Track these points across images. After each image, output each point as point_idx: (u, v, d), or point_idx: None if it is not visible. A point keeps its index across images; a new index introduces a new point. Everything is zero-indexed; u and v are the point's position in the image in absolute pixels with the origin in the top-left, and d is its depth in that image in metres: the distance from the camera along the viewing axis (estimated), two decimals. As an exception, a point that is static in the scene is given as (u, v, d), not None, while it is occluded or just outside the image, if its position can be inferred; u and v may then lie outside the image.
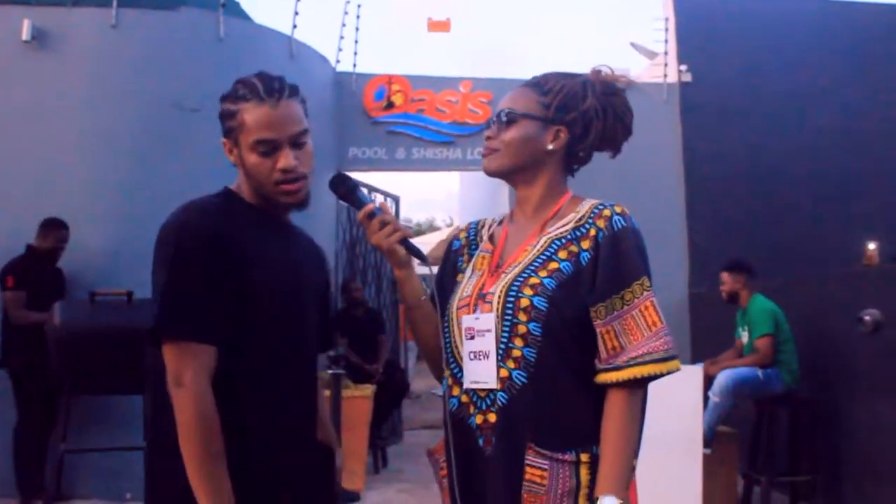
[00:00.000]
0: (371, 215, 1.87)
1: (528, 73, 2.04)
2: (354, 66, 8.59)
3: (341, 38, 8.53)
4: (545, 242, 1.86)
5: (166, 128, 6.16)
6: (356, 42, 8.58)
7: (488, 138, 1.94)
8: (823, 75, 9.10)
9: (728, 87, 8.97)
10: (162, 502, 1.84)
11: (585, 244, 1.82)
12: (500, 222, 2.04)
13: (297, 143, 1.89)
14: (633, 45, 10.97)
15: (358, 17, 8.62)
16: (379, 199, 8.73)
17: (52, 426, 5.74)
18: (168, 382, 1.74)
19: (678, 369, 1.79)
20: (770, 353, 5.67)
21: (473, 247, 2.04)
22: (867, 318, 5.22)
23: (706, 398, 5.54)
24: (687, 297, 8.57)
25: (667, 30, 9.04)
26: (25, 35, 6.32)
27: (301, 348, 1.94)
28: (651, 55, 10.18)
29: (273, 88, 1.89)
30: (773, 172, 8.75)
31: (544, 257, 1.83)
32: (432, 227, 36.19)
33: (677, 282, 8.56)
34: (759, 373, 5.66)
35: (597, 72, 1.97)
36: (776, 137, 8.85)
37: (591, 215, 1.85)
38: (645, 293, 1.79)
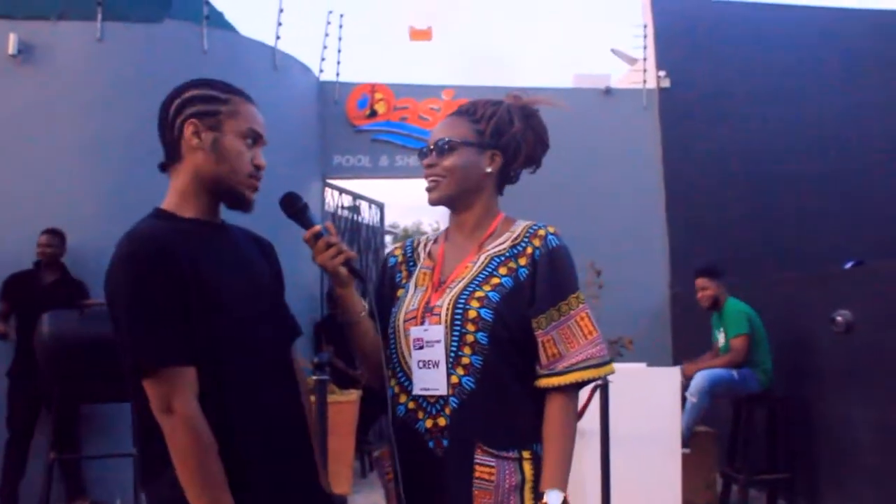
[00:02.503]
0: (318, 236, 1.94)
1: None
2: (338, 75, 8.70)
3: (324, 47, 8.64)
4: (485, 260, 2.01)
5: (152, 140, 6.12)
6: (339, 51, 8.70)
7: (429, 166, 2.06)
8: (802, 79, 9.25)
9: (707, 92, 9.10)
10: None
11: (523, 261, 1.98)
12: (436, 240, 2.18)
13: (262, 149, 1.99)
14: (613, 51, 11.09)
15: (341, 26, 8.73)
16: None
17: (32, 435, 5.84)
18: (154, 411, 1.72)
19: (613, 372, 2.00)
20: (745, 352, 5.79)
21: (411, 263, 2.17)
22: (839, 318, 5.36)
23: (684, 399, 5.65)
24: (668, 298, 8.70)
25: (645, 36, 9.18)
26: (12, 49, 6.40)
27: (271, 343, 1.96)
28: (631, 61, 10.30)
29: (252, 98, 2.00)
30: (751, 176, 8.89)
31: (486, 273, 1.98)
32: (420, 232, 36.33)
33: (658, 283, 8.68)
34: (735, 373, 5.77)
35: (516, 96, 2.14)
36: (754, 141, 8.99)
37: (527, 235, 2.02)
38: (580, 305, 1.97)
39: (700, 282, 6.20)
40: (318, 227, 1.95)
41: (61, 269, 6.04)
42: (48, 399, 5.64)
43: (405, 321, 2.02)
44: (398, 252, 2.22)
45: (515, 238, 2.03)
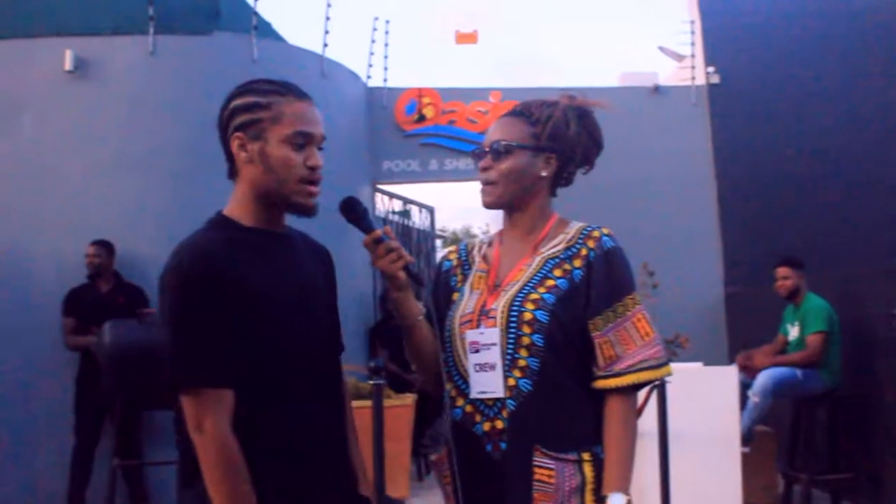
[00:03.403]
0: (378, 241, 1.93)
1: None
2: (385, 80, 8.76)
3: (371, 54, 8.70)
4: (540, 262, 2.00)
5: (205, 150, 6.19)
6: (386, 57, 8.77)
7: (484, 169, 2.05)
8: (852, 73, 9.05)
9: (757, 87, 8.96)
10: None
11: (577, 262, 1.97)
12: (490, 243, 2.17)
13: (320, 147, 1.90)
14: (661, 48, 10.98)
15: (387, 32, 8.80)
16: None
17: (97, 442, 6.00)
18: (189, 427, 1.73)
19: (670, 374, 1.98)
20: (820, 351, 5.63)
21: (466, 267, 2.16)
22: (900, 314, 5.24)
23: (744, 397, 5.56)
24: (723, 297, 8.59)
25: (693, 32, 9.07)
26: (68, 65, 6.54)
27: (319, 357, 1.93)
28: (679, 58, 10.20)
29: (303, 92, 1.91)
30: (803, 171, 8.73)
31: (541, 275, 1.98)
32: (469, 235, 36.35)
33: (712, 282, 8.58)
34: (799, 373, 5.63)
35: (571, 97, 2.10)
36: (807, 136, 8.82)
37: (581, 236, 2.01)
38: (636, 306, 1.96)
39: (781, 271, 6.03)
40: (378, 232, 1.94)
41: (115, 277, 6.20)
42: (111, 406, 5.77)
43: (461, 324, 2.02)
44: (453, 256, 2.22)
45: (570, 240, 2.02)
